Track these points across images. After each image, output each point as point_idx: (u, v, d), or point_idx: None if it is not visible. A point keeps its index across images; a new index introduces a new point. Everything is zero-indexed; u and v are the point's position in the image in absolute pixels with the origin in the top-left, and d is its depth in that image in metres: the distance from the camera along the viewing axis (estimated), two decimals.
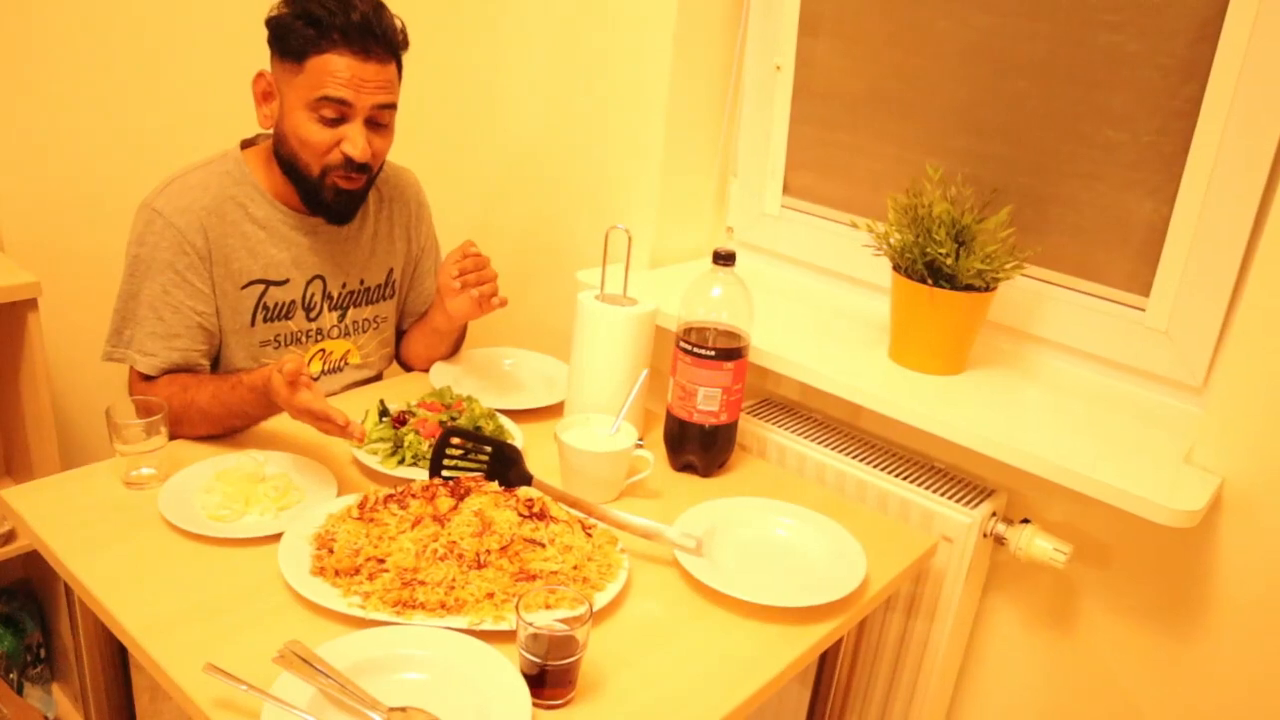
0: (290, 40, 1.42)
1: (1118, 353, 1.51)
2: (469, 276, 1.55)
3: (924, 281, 1.47)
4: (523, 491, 1.28)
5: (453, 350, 1.75)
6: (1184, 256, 1.42)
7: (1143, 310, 1.48)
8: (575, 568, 1.18)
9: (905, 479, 1.51)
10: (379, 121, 1.48)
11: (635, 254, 1.87)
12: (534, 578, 1.16)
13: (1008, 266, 1.44)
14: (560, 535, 1.21)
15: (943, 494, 1.47)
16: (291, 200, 1.54)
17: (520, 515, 1.21)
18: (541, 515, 1.22)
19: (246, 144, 1.58)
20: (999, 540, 1.46)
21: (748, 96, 1.84)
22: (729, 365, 1.43)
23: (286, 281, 1.56)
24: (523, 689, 1.01)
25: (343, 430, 1.30)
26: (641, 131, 1.81)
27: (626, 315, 1.48)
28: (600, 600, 1.15)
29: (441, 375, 1.66)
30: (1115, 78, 1.43)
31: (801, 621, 1.20)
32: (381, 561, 1.16)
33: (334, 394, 1.63)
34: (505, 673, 1.03)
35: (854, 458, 1.55)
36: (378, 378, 1.73)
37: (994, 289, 1.47)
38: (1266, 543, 1.30)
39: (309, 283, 1.58)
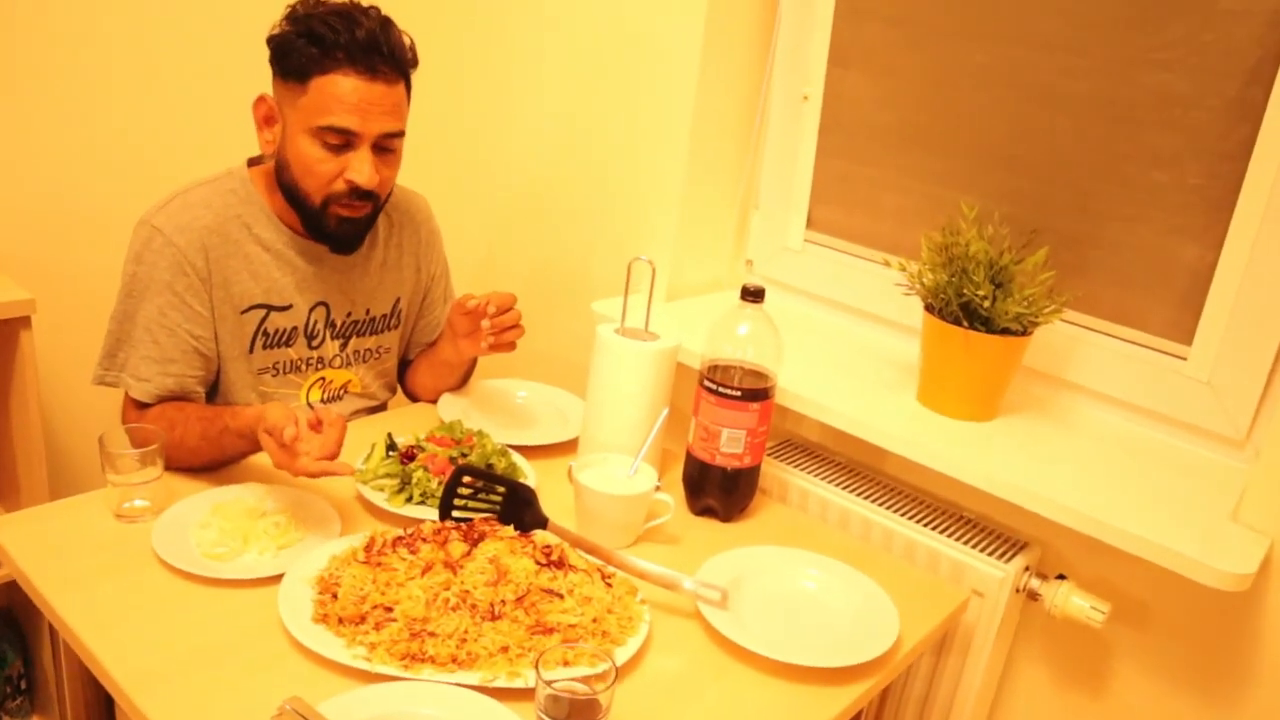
0: (292, 59, 1.35)
1: (1157, 402, 1.45)
2: (505, 335, 1.50)
3: (958, 323, 1.41)
4: (539, 537, 1.21)
5: (461, 382, 1.69)
6: (1229, 305, 1.37)
7: (1184, 359, 1.43)
8: (595, 620, 1.11)
9: (934, 528, 1.44)
10: (387, 148, 1.41)
11: (645, 285, 1.81)
12: (551, 631, 1.09)
13: (1047, 310, 1.39)
14: (579, 585, 1.14)
15: (974, 545, 1.41)
16: (297, 224, 1.47)
17: (538, 563, 1.14)
18: (560, 564, 1.16)
19: (253, 162, 1.51)
20: (1032, 596, 1.39)
21: (773, 127, 1.79)
22: (755, 406, 1.37)
23: (289, 307, 1.49)
24: None
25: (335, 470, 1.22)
26: (662, 160, 1.75)
27: (648, 351, 1.42)
28: (621, 656, 1.08)
29: (450, 407, 1.60)
30: (1162, 118, 1.38)
31: (833, 683, 1.13)
32: (389, 610, 1.09)
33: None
34: None
35: (880, 504, 1.49)
36: (382, 407, 1.67)
37: (1030, 333, 1.41)
38: None
39: (312, 309, 1.51)
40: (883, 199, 1.69)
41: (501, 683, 1.03)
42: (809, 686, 1.13)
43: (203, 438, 1.35)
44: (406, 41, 1.40)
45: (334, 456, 1.23)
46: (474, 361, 1.67)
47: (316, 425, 1.24)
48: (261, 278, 1.46)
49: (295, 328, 1.50)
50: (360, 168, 1.38)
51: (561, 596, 1.12)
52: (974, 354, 1.42)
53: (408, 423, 1.56)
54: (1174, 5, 1.35)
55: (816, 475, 1.55)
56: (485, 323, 1.47)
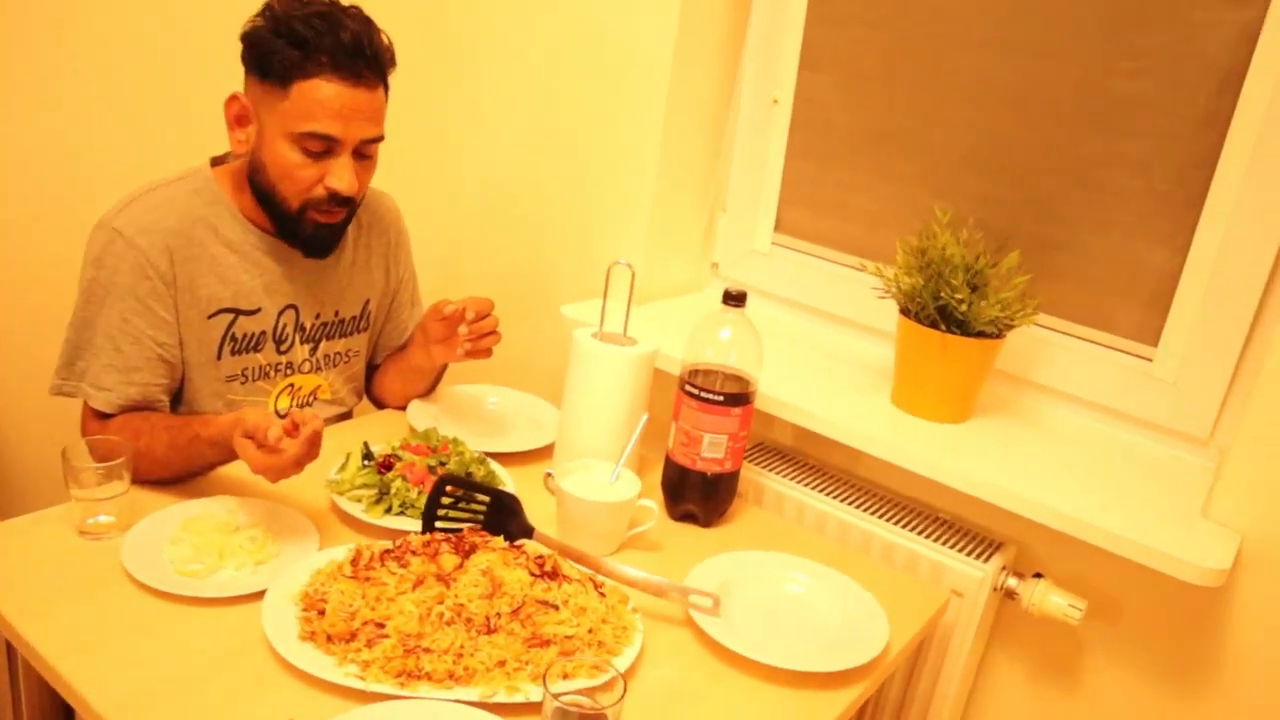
0: (272, 62, 1.30)
1: (1124, 403, 1.48)
2: (483, 341, 1.47)
3: (935, 326, 1.42)
4: (530, 547, 1.19)
5: (431, 388, 1.65)
6: (1195, 308, 1.40)
7: (1150, 360, 1.46)
8: (590, 631, 1.09)
9: (911, 530, 1.45)
10: (365, 153, 1.38)
11: (615, 289, 1.79)
12: (548, 643, 1.06)
13: (1022, 313, 1.41)
14: (574, 596, 1.12)
15: (950, 546, 1.42)
16: (265, 224, 1.43)
17: (532, 575, 1.12)
18: (554, 574, 1.13)
19: (216, 161, 1.46)
20: (1009, 595, 1.41)
21: (742, 130, 1.78)
22: (737, 411, 1.36)
23: (258, 311, 1.44)
24: None
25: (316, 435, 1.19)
26: (632, 163, 1.74)
27: (627, 356, 1.40)
28: (619, 667, 1.07)
29: (420, 415, 1.56)
30: (1133, 125, 1.41)
31: (829, 687, 1.13)
32: (380, 626, 1.05)
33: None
34: None
35: (856, 506, 1.50)
36: (349, 414, 1.62)
37: (1004, 336, 1.43)
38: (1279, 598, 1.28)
39: (281, 312, 1.47)
40: (853, 202, 1.70)
41: (501, 698, 1.01)
42: (805, 691, 1.12)
43: (170, 447, 1.30)
44: (386, 43, 1.36)
45: (313, 458, 1.20)
46: (444, 368, 1.64)
47: (293, 430, 1.19)
48: (229, 281, 1.41)
49: (264, 332, 1.45)
50: (342, 175, 1.34)
51: (557, 608, 1.10)
52: (950, 356, 1.43)
53: (378, 431, 1.52)
54: (1148, 15, 1.38)
55: (791, 479, 1.56)
56: (463, 328, 1.44)
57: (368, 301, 1.58)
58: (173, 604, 1.11)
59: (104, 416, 1.35)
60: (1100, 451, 1.46)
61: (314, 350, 1.52)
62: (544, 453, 1.54)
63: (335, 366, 1.56)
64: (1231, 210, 1.35)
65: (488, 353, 1.48)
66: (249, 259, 1.42)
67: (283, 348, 1.48)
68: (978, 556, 1.41)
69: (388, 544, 1.16)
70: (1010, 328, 1.42)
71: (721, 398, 1.35)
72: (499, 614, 1.07)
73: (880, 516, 1.48)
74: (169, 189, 1.39)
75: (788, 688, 1.12)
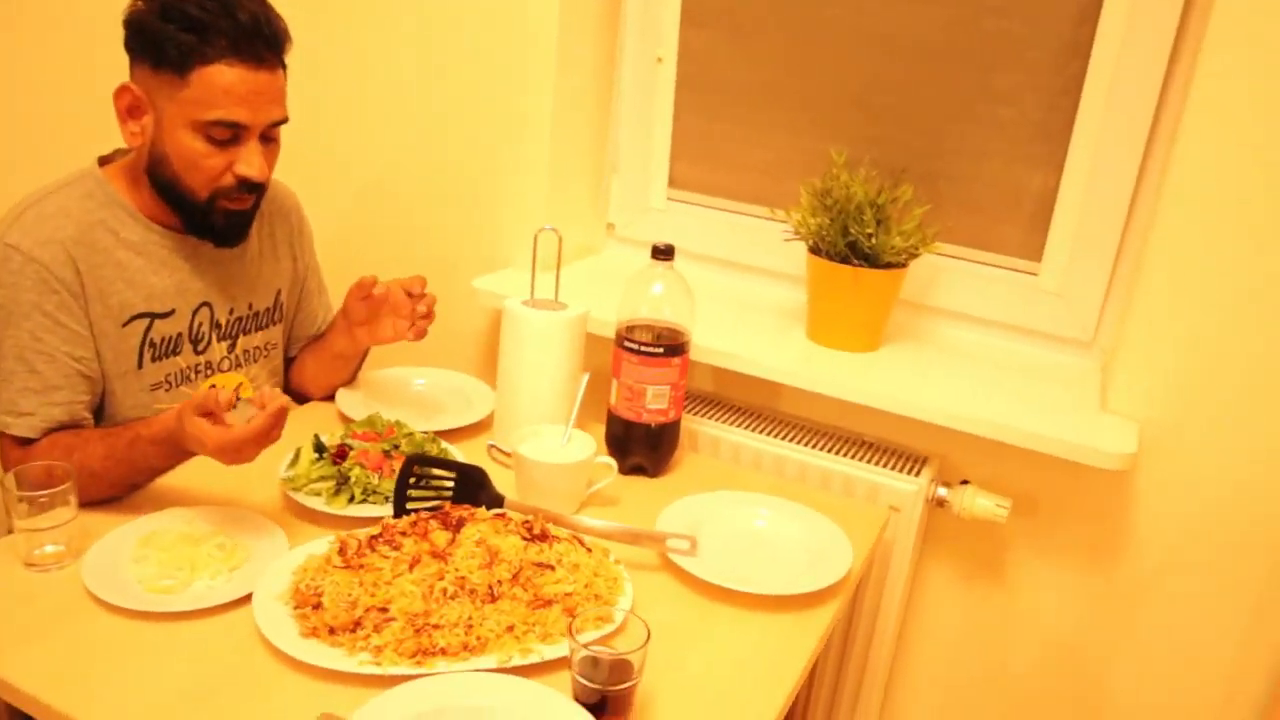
0: (165, 48, 1.24)
1: (1015, 316, 1.62)
2: (421, 323, 1.48)
3: (846, 262, 1.50)
4: (514, 515, 1.20)
5: (353, 375, 1.62)
6: (1072, 223, 1.54)
7: (1036, 275, 1.60)
8: (586, 585, 1.12)
9: (841, 455, 1.54)
10: (271, 136, 1.34)
11: (523, 258, 1.80)
12: (550, 603, 1.09)
13: (924, 242, 1.51)
14: (566, 554, 1.14)
15: (881, 466, 1.52)
16: (168, 220, 1.37)
17: (524, 539, 1.14)
18: (544, 536, 1.16)
19: (104, 160, 1.39)
20: (940, 504, 1.53)
21: (627, 90, 1.81)
22: (676, 361, 1.41)
23: (171, 312, 1.38)
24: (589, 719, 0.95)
25: (282, 412, 1.18)
26: (524, 131, 1.74)
27: (563, 320, 1.42)
28: (618, 616, 1.10)
29: (351, 403, 1.53)
30: (1003, 59, 1.53)
31: (807, 606, 1.20)
32: (384, 610, 1.05)
33: None
34: (566, 707, 0.96)
35: (787, 440, 1.57)
36: None
37: (908, 265, 1.53)
38: (1177, 477, 1.44)
39: (195, 311, 1.41)
40: (744, 153, 1.76)
41: (518, 661, 1.03)
42: (789, 614, 1.19)
43: (109, 459, 1.24)
44: (281, 22, 1.31)
45: (274, 439, 1.18)
46: (366, 353, 1.61)
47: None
48: (138, 285, 1.34)
49: (180, 334, 1.39)
50: (251, 160, 1.30)
51: (552, 568, 1.12)
52: (862, 288, 1.52)
53: (309, 424, 1.48)
54: None
55: (720, 422, 1.62)
56: (422, 307, 1.46)
57: (279, 291, 1.54)
58: (153, 623, 1.07)
59: (26, 443, 1.27)
60: (999, 363, 1.58)
61: (232, 347, 1.46)
62: (479, 427, 1.54)
63: (255, 362, 1.51)
64: (1098, 132, 1.49)
65: (424, 334, 1.48)
66: (155, 259, 1.36)
67: (200, 347, 1.42)
68: (908, 472, 1.51)
69: (373, 530, 1.15)
70: (914, 256, 1.52)
71: (661, 349, 1.39)
72: (500, 581, 1.09)
73: (810, 447, 1.56)
74: (60, 196, 1.32)
75: (772, 613, 1.19)
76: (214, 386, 1.43)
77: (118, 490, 1.27)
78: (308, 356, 1.61)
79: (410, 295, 1.48)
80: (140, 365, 1.36)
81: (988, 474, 1.56)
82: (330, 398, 1.58)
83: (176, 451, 1.23)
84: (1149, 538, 1.48)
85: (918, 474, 1.51)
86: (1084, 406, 1.46)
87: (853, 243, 1.50)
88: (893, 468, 1.52)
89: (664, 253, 1.40)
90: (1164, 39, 1.41)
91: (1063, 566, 1.55)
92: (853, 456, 1.54)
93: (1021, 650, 1.62)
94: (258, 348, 1.51)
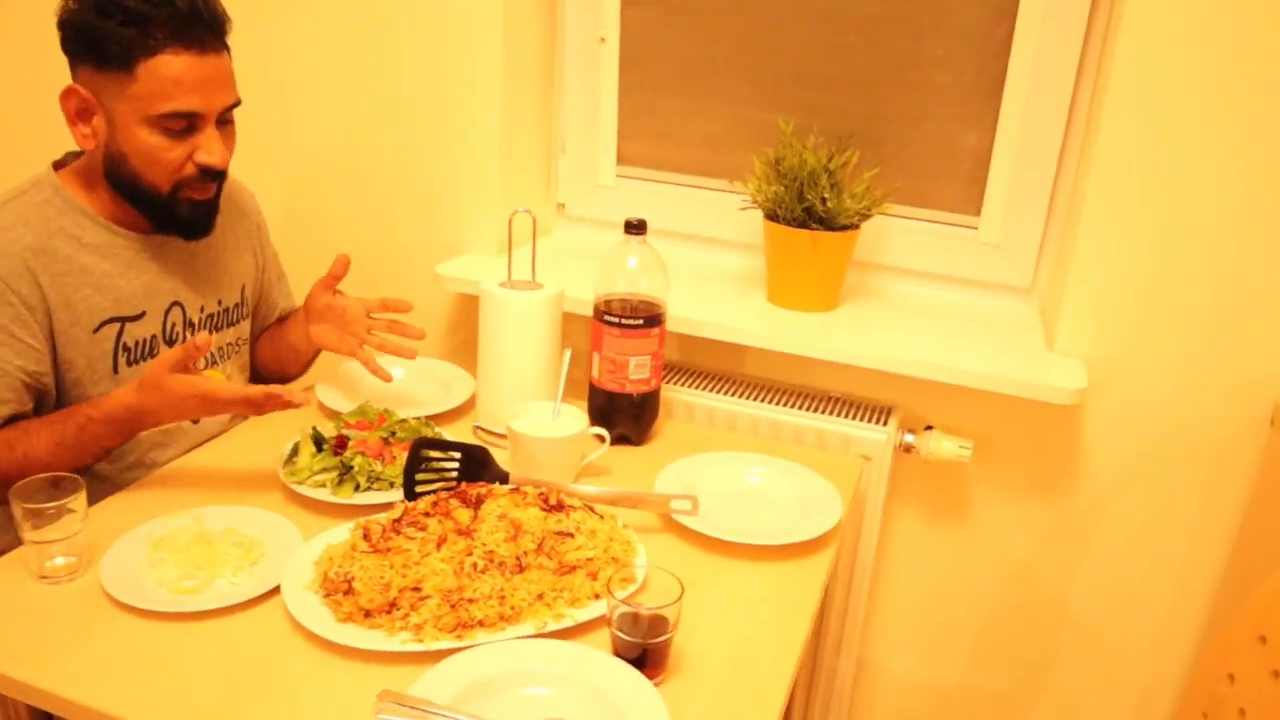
0: (107, 45, 1.23)
1: (958, 269, 1.72)
2: (385, 344, 1.51)
3: (805, 226, 1.57)
4: (529, 488, 1.24)
5: (302, 371, 1.65)
6: (1006, 179, 1.64)
7: (976, 229, 1.70)
8: (604, 550, 1.17)
9: (810, 411, 1.62)
10: (226, 120, 1.35)
11: (481, 241, 1.83)
12: (575, 568, 1.14)
13: (876, 204, 1.59)
14: (582, 522, 1.19)
15: (849, 418, 1.60)
16: (129, 221, 1.36)
17: (542, 510, 1.18)
18: (560, 506, 1.20)
19: (58, 165, 1.37)
20: (907, 450, 1.62)
21: (571, 71, 1.85)
22: (655, 331, 1.46)
23: (142, 315, 1.38)
24: (635, 674, 1.00)
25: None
26: (473, 117, 1.75)
27: (542, 299, 1.46)
28: (639, 575, 1.16)
29: (331, 396, 1.54)
30: (936, 26, 1.62)
31: (807, 554, 1.28)
32: (418, 589, 1.08)
33: (215, 437, 1.48)
34: (612, 663, 1.01)
35: (757, 401, 1.64)
36: None
37: (860, 226, 1.61)
38: (1121, 408, 1.56)
39: (167, 312, 1.41)
40: (691, 127, 1.82)
41: (553, 626, 1.08)
42: (791, 561, 1.26)
43: (57, 445, 1.26)
44: (219, 5, 1.31)
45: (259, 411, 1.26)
46: (316, 354, 1.63)
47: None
48: (105, 289, 1.33)
49: (154, 335, 1.39)
50: (211, 148, 1.31)
51: (572, 535, 1.16)
52: (820, 251, 1.60)
53: (289, 418, 1.49)
54: None
55: (690, 387, 1.68)
56: (375, 334, 1.50)
57: (244, 286, 1.55)
58: (183, 623, 1.08)
59: None
60: (947, 313, 1.68)
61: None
62: (459, 411, 1.57)
63: (229, 358, 1.51)
64: (1027, 91, 1.59)
65: (402, 351, 1.51)
66: (121, 261, 1.35)
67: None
68: (876, 422, 1.60)
69: (394, 514, 1.18)
70: (866, 218, 1.60)
71: (641, 321, 1.44)
72: (526, 552, 1.13)
73: (780, 405, 1.64)
74: (15, 205, 1.30)
75: (775, 561, 1.26)
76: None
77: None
78: (265, 340, 1.64)
79: (330, 305, 1.50)
80: (116, 370, 1.35)
81: (947, 419, 1.66)
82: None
83: (133, 428, 1.28)
84: (1099, 465, 1.60)
85: (885, 424, 1.59)
86: (1031, 348, 1.57)
87: (808, 208, 1.57)
88: (863, 419, 1.60)
89: (636, 227, 1.44)
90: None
91: (1020, 499, 1.66)
92: (820, 411, 1.62)
93: (986, 580, 1.73)
94: (230, 344, 1.51)
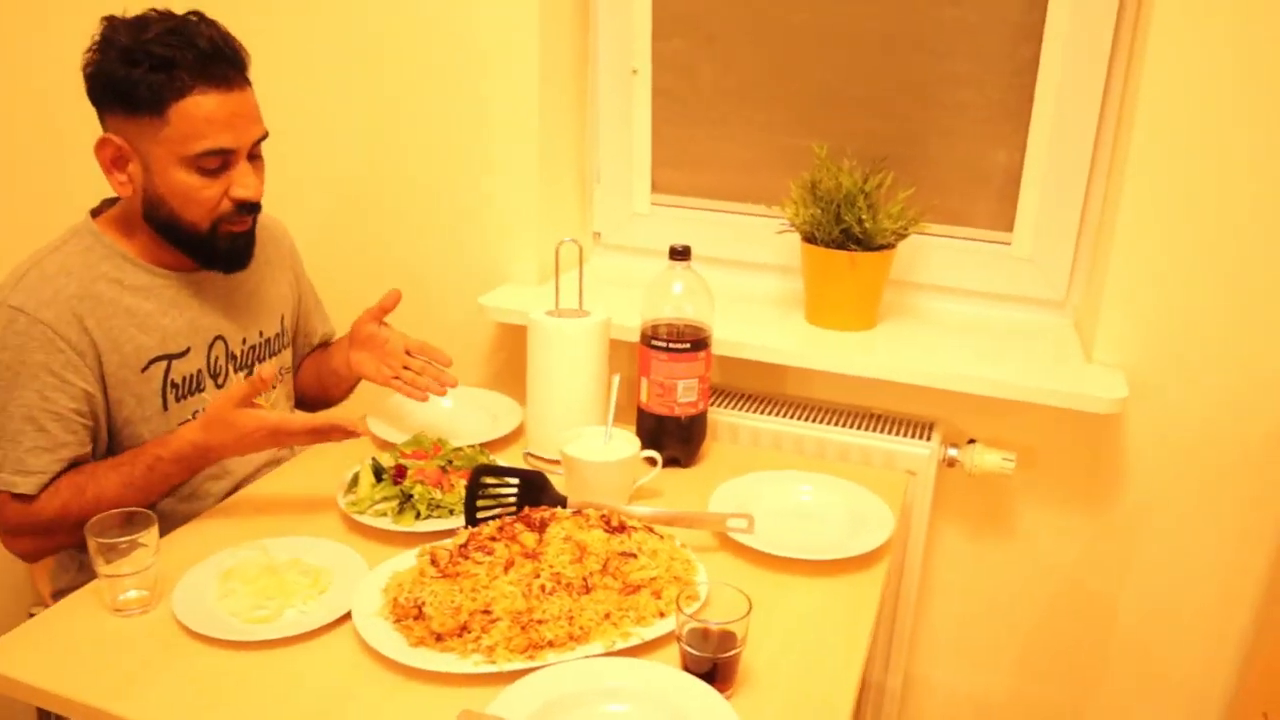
0: (137, 92, 1.27)
1: (992, 284, 1.74)
2: (418, 379, 1.54)
3: (843, 248, 1.60)
4: (590, 510, 1.26)
5: (345, 396, 1.69)
6: (1038, 193, 1.67)
7: (1009, 245, 1.72)
8: (666, 569, 1.19)
9: (853, 429, 1.64)
10: (256, 153, 1.39)
11: (521, 271, 1.86)
12: (639, 588, 1.15)
13: (913, 223, 1.62)
14: (644, 542, 1.21)
15: (893, 434, 1.62)
16: (169, 261, 1.40)
17: (606, 532, 1.20)
18: (622, 528, 1.22)
19: (95, 213, 1.41)
20: (950, 464, 1.63)
21: (604, 102, 1.89)
22: (701, 355, 1.48)
23: (187, 351, 1.41)
24: (707, 688, 1.02)
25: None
26: (512, 147, 1.79)
27: (591, 326, 1.49)
28: (702, 592, 1.18)
29: (382, 427, 1.57)
30: (961, 47, 1.65)
31: (862, 568, 1.29)
32: (488, 612, 1.10)
33: (265, 467, 1.51)
34: (684, 678, 1.03)
35: (801, 420, 1.66)
36: None
37: (896, 245, 1.64)
38: (1160, 416, 1.57)
39: (210, 346, 1.45)
40: (724, 154, 1.85)
41: (621, 644, 1.09)
42: (846, 575, 1.28)
43: (126, 485, 1.30)
44: (236, 41, 1.35)
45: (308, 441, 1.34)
46: (356, 381, 1.66)
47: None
48: (150, 329, 1.37)
49: (199, 370, 1.43)
50: (246, 182, 1.34)
51: (635, 556, 1.18)
52: (858, 271, 1.62)
53: (347, 453, 1.51)
54: None
55: (734, 409, 1.70)
56: (410, 373, 1.53)
57: (283, 316, 1.59)
58: (257, 651, 1.10)
59: (28, 498, 1.30)
60: (983, 328, 1.70)
61: (249, 376, 1.49)
62: (508, 439, 1.59)
63: (275, 387, 1.54)
64: (1054, 108, 1.62)
65: (423, 393, 1.53)
66: (163, 301, 1.40)
67: (220, 381, 1.45)
68: (919, 438, 1.61)
69: (459, 540, 1.20)
70: (903, 237, 1.63)
71: (688, 345, 1.47)
72: (591, 573, 1.15)
73: (823, 423, 1.66)
74: (59, 255, 1.34)
75: (830, 576, 1.27)
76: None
77: None
78: (308, 365, 1.68)
79: (409, 353, 1.54)
80: (165, 407, 1.39)
81: (989, 433, 1.67)
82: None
83: (200, 464, 1.33)
84: (1141, 474, 1.61)
85: (928, 438, 1.61)
86: (1070, 360, 1.58)
87: (846, 229, 1.60)
88: (906, 435, 1.62)
89: (681, 253, 1.47)
90: (1108, 14, 1.54)
91: (1065, 510, 1.67)
92: (863, 428, 1.64)
93: (1032, 592, 1.74)
94: (274, 374, 1.54)
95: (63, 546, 1.37)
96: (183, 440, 1.30)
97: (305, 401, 1.70)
